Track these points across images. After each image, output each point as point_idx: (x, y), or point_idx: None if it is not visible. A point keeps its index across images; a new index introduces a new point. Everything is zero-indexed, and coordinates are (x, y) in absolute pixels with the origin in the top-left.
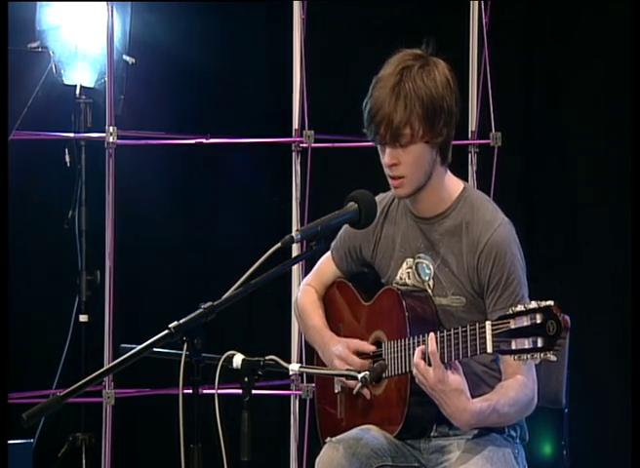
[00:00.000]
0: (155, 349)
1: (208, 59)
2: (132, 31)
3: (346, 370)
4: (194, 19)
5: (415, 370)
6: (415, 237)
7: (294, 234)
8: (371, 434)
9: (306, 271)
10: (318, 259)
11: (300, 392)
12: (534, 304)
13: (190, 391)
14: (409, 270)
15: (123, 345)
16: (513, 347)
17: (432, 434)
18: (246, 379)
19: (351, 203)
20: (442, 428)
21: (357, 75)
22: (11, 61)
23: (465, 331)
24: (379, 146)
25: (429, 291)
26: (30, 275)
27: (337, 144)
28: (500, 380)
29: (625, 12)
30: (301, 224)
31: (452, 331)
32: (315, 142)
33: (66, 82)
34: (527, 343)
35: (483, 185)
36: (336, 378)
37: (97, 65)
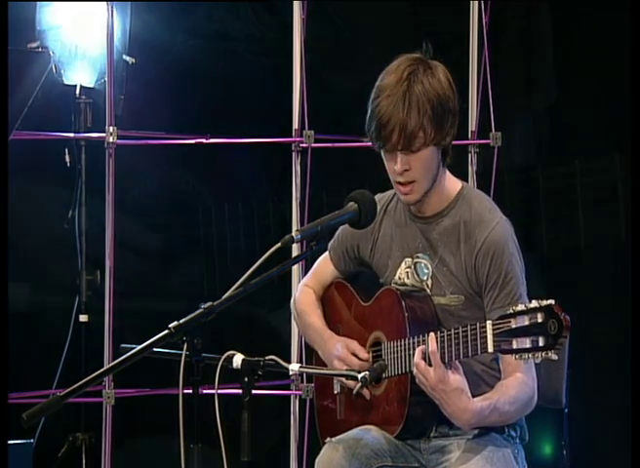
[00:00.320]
0: (155, 349)
1: (208, 60)
2: (132, 31)
3: (346, 370)
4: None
5: (415, 371)
6: (413, 237)
7: (294, 234)
8: (371, 434)
9: (306, 271)
10: (317, 259)
11: (299, 392)
12: (535, 303)
13: (190, 391)
14: (407, 270)
15: (123, 345)
16: (514, 346)
17: (432, 434)
18: (246, 379)
19: (351, 203)
20: (442, 428)
21: (358, 75)
22: (11, 61)
23: (466, 330)
24: (386, 154)
25: (428, 290)
26: (30, 275)
27: (337, 144)
28: (499, 379)
29: (625, 11)
30: (301, 224)
31: (452, 331)
32: (315, 142)
33: (66, 82)
34: (528, 342)
35: (483, 185)
36: (335, 379)
37: (97, 65)
